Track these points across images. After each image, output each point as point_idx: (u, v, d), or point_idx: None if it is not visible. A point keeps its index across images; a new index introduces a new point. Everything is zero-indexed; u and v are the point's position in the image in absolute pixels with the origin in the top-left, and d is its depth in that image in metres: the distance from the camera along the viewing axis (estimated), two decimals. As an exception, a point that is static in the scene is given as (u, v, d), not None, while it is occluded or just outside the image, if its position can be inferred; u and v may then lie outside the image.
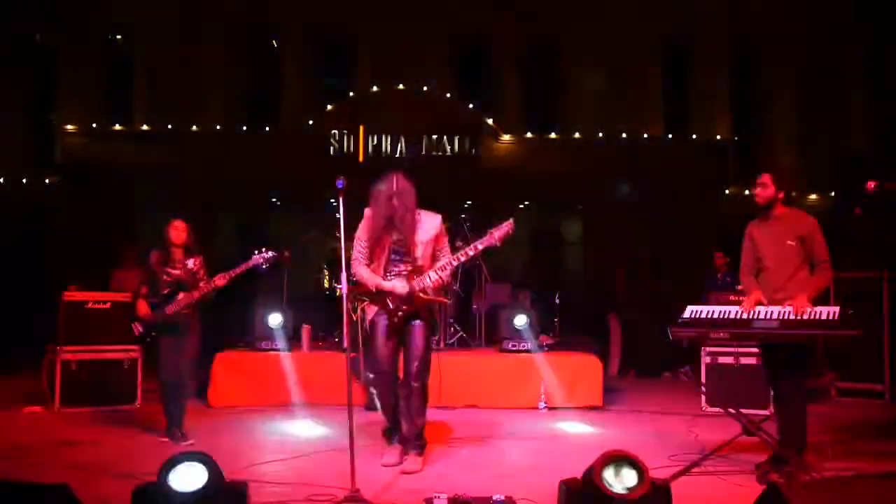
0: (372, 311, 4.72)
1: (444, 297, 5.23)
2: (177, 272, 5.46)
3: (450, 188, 10.44)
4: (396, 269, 4.69)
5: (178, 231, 5.48)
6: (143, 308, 5.42)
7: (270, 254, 5.58)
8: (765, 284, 4.64)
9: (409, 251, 4.67)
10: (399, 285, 4.61)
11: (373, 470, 4.56)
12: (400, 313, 4.65)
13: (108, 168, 11.23)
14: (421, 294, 4.63)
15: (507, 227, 4.60)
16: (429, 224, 4.72)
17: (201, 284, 5.44)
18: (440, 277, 4.65)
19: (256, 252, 5.57)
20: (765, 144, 12.40)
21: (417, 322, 4.70)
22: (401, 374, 4.79)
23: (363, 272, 4.70)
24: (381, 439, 4.97)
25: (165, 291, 5.42)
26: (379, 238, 4.67)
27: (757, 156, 12.07)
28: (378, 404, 4.86)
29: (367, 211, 4.76)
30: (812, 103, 12.04)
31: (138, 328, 5.43)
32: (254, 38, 12.58)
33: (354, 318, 4.66)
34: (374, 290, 4.68)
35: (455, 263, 4.76)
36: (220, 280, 5.42)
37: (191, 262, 5.51)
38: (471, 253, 4.68)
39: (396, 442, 4.82)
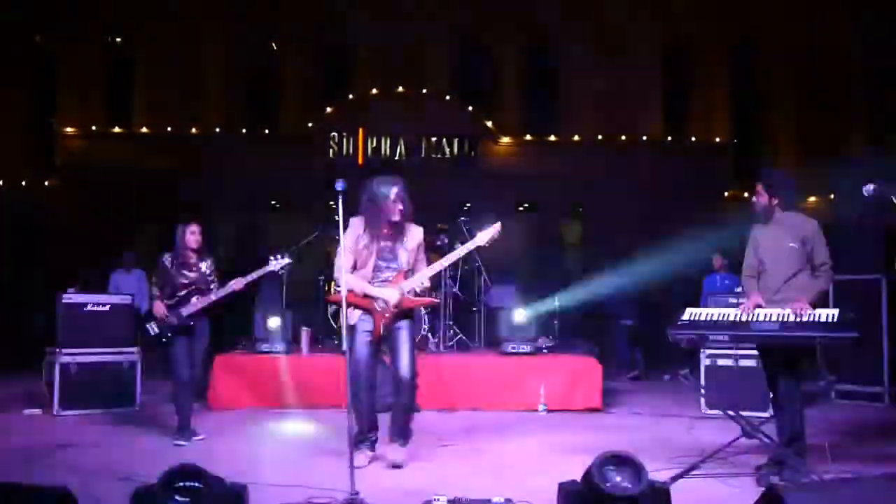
0: (355, 315, 4.78)
1: (430, 297, 5.42)
2: (193, 275, 5.55)
3: (449, 190, 10.46)
4: (383, 275, 4.85)
5: (195, 235, 5.56)
6: (159, 309, 5.48)
7: (287, 260, 5.63)
8: (766, 287, 4.64)
9: (396, 258, 4.85)
10: (389, 293, 4.75)
11: (372, 472, 4.57)
12: (388, 315, 4.78)
13: (108, 170, 11.23)
14: (409, 296, 4.81)
15: (493, 230, 4.84)
16: (414, 234, 4.93)
17: (213, 287, 5.54)
18: (426, 279, 4.91)
19: (272, 258, 5.61)
20: (764, 147, 12.41)
21: (404, 322, 4.85)
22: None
23: (351, 279, 4.76)
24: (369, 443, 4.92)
25: (181, 293, 5.49)
26: (368, 244, 4.80)
27: (756, 158, 12.08)
28: (352, 407, 4.82)
29: (353, 219, 4.86)
30: (811, 105, 12.05)
31: (154, 329, 5.47)
32: (254, 40, 12.58)
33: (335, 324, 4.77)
34: (361, 295, 4.78)
35: (446, 263, 5.05)
36: (238, 284, 5.50)
37: (204, 265, 5.60)
38: (461, 253, 5.03)
39: (367, 448, 4.83)
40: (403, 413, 4.87)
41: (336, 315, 4.64)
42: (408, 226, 4.90)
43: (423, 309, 7.22)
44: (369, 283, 4.80)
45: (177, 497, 2.98)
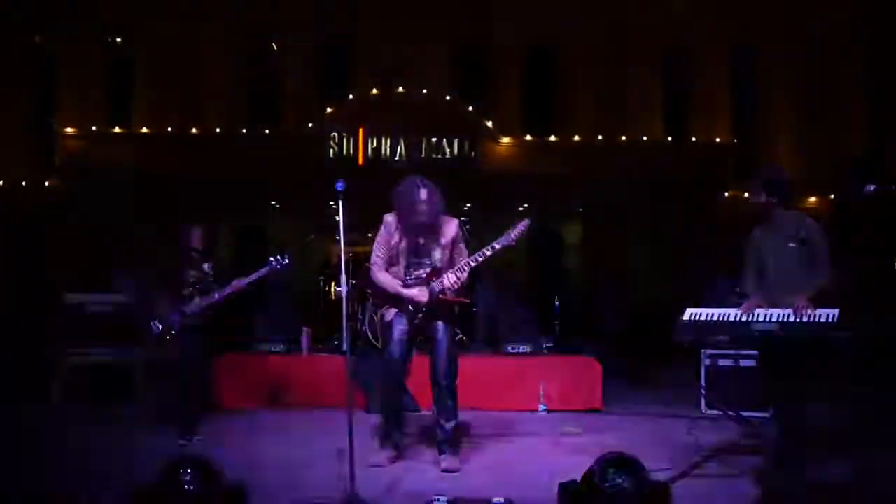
0: (391, 313, 4.81)
1: (465, 297, 5.31)
2: (195, 275, 5.65)
3: (449, 190, 10.43)
4: (417, 271, 4.79)
5: (198, 236, 5.69)
6: (161, 309, 5.52)
7: (287, 261, 5.67)
8: (768, 288, 4.64)
9: (429, 254, 4.78)
10: (419, 293, 4.68)
11: (372, 473, 4.57)
12: (420, 315, 4.74)
13: (108, 171, 11.22)
14: (441, 296, 4.72)
15: (522, 226, 4.74)
16: (448, 228, 4.84)
17: (215, 287, 5.61)
18: (459, 278, 4.74)
19: (273, 259, 5.68)
20: (764, 147, 12.40)
21: (440, 323, 4.78)
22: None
23: (384, 277, 4.79)
24: (375, 440, 5.00)
25: (184, 293, 5.57)
26: (400, 241, 4.77)
27: (757, 158, 12.06)
28: (380, 404, 4.95)
29: (387, 217, 4.84)
30: (812, 105, 12.04)
31: (157, 328, 5.51)
32: (254, 39, 12.56)
33: (375, 319, 4.75)
34: (393, 294, 4.76)
35: (473, 264, 4.82)
36: (239, 284, 5.59)
37: (206, 266, 5.70)
38: (488, 253, 4.76)
39: (390, 447, 4.86)
40: (447, 421, 4.79)
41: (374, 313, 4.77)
42: (441, 220, 4.82)
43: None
44: (402, 280, 4.76)
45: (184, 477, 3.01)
